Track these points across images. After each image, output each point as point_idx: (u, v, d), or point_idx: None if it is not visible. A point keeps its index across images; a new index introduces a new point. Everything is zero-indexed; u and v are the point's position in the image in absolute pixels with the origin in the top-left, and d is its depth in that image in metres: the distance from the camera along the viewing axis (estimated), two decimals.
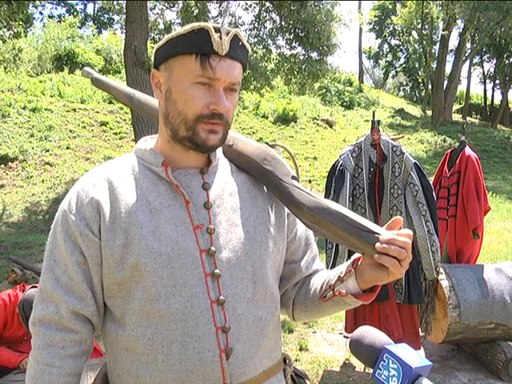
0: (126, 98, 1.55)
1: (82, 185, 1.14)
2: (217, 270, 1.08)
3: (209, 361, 1.06)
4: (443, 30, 22.79)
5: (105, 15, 29.69)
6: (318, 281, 1.23)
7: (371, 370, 0.96)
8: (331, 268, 3.09)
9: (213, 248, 1.09)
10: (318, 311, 1.23)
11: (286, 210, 1.24)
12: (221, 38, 1.04)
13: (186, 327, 1.05)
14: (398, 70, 33.54)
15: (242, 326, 1.10)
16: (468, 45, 23.68)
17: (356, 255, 1.13)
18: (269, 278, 1.17)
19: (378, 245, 1.02)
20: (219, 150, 1.21)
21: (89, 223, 1.09)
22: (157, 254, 1.06)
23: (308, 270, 1.28)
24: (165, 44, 1.08)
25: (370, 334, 1.01)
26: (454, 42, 44.57)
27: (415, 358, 0.92)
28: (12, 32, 9.40)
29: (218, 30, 1.04)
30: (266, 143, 1.54)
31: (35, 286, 3.04)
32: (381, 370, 0.94)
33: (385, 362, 0.93)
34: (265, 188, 1.23)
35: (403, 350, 0.94)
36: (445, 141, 18.87)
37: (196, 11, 10.43)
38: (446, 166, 4.06)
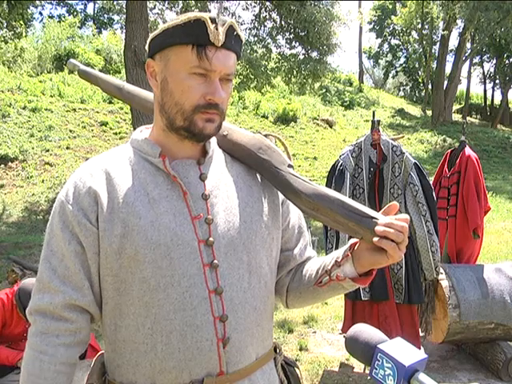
0: (115, 89, 1.52)
1: (79, 175, 1.14)
2: (215, 261, 1.10)
3: (207, 349, 1.08)
4: (443, 30, 22.79)
5: (105, 15, 29.65)
6: (313, 267, 1.24)
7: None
8: None
9: (211, 238, 1.10)
10: (312, 297, 1.24)
11: (280, 198, 1.25)
12: (217, 29, 1.05)
13: (184, 317, 1.07)
14: (398, 70, 33.52)
15: (239, 315, 1.11)
16: (468, 45, 23.69)
17: (352, 240, 1.14)
18: (263, 267, 1.18)
19: (377, 228, 1.03)
20: (214, 141, 1.22)
21: (86, 213, 1.09)
22: (156, 245, 1.06)
23: (301, 257, 1.30)
24: (160, 34, 1.09)
25: (364, 332, 0.99)
26: (454, 42, 44.55)
27: (408, 354, 0.91)
28: (14, 32, 9.41)
29: (214, 21, 1.05)
30: (259, 133, 1.54)
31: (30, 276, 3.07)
32: (376, 369, 0.92)
33: (379, 361, 0.92)
34: (259, 178, 1.24)
35: (396, 348, 0.93)
36: (445, 141, 18.88)
37: (196, 11, 10.42)
38: (446, 166, 4.06)
